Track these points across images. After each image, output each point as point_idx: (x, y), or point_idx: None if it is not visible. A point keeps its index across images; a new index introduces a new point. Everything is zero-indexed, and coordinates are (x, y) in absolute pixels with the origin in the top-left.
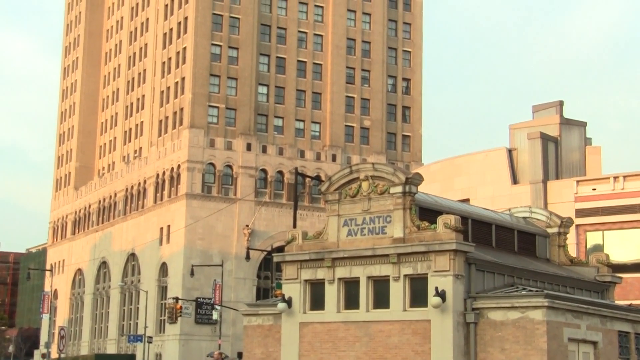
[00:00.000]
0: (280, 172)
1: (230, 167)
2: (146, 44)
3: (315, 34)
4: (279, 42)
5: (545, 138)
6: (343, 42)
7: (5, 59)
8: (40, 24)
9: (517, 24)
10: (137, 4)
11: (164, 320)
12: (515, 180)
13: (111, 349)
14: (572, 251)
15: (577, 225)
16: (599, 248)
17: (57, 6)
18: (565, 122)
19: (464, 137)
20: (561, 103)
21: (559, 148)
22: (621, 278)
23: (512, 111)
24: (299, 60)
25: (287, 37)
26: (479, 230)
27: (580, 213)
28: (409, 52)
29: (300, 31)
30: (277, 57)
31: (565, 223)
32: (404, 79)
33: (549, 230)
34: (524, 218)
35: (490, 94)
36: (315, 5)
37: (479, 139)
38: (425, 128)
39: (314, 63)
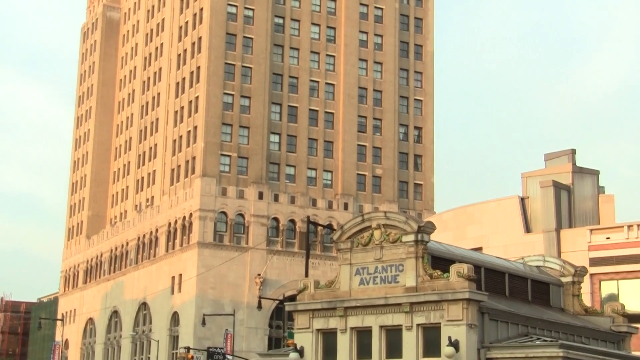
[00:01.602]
0: (292, 221)
1: (242, 215)
2: (159, 93)
3: (326, 83)
4: (290, 91)
5: (557, 186)
6: (355, 90)
7: (20, 109)
8: (55, 73)
9: (529, 72)
10: (150, 54)
11: None
12: (528, 229)
13: None
14: (587, 301)
15: (592, 274)
16: (614, 297)
17: (72, 56)
18: (578, 171)
19: (476, 185)
20: (573, 151)
21: (572, 196)
22: (637, 328)
23: (524, 159)
24: (310, 109)
25: (298, 86)
26: (492, 279)
27: (595, 262)
28: (421, 100)
29: (312, 80)
30: (289, 105)
31: (579, 272)
32: (416, 128)
33: (563, 280)
34: (538, 267)
35: (503, 142)
36: (327, 55)
37: (491, 187)
38: (437, 176)
39: (326, 112)
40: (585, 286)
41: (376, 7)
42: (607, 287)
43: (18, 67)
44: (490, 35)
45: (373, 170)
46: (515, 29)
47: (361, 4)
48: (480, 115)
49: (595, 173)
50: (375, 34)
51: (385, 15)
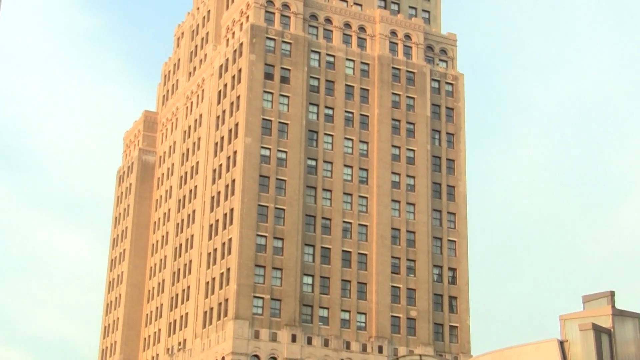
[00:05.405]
0: None
1: (275, 359)
2: (192, 235)
3: (359, 224)
4: (323, 233)
5: (597, 329)
6: (388, 232)
7: (56, 254)
8: (90, 217)
9: (565, 210)
10: (184, 196)
11: None
12: None
13: None
14: None
15: None
16: None
17: (107, 199)
18: (618, 313)
19: (513, 327)
20: (612, 293)
21: (613, 340)
22: None
23: (562, 301)
24: (343, 250)
25: (331, 228)
26: None
27: None
28: (454, 241)
29: (344, 221)
30: (322, 247)
31: None
32: (450, 269)
33: None
34: None
35: (539, 283)
36: (360, 196)
37: (529, 329)
38: (473, 318)
39: (359, 253)
40: None
41: (408, 149)
42: None
43: (55, 212)
44: (524, 174)
45: (407, 312)
46: (550, 168)
47: (393, 145)
48: (515, 255)
49: (637, 316)
50: (408, 175)
51: (417, 157)
